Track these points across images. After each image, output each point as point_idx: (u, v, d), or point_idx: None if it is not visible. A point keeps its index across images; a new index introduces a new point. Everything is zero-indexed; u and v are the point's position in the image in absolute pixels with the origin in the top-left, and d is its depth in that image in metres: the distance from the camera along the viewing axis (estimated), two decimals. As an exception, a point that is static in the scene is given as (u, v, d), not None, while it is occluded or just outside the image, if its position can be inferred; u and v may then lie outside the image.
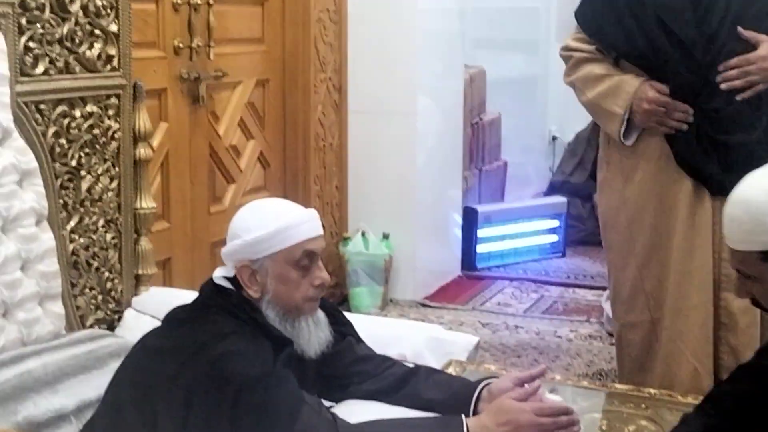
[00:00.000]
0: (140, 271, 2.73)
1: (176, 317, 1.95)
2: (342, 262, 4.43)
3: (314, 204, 4.23)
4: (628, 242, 2.73)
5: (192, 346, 1.81)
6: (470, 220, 5.12)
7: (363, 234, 4.42)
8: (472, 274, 5.06)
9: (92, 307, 2.56)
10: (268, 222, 1.92)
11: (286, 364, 1.87)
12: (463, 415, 1.85)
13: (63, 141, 2.43)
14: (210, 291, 1.97)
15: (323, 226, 4.32)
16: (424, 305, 4.54)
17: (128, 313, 2.65)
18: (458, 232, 5.07)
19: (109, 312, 2.62)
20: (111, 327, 2.60)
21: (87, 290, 2.55)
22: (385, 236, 4.45)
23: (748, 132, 2.54)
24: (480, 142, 5.44)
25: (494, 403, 1.89)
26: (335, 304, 2.01)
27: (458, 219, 5.06)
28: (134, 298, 2.69)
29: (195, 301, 1.99)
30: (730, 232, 1.59)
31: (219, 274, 1.98)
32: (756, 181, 1.57)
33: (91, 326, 2.53)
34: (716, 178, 2.54)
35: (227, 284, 1.96)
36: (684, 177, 2.60)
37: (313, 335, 1.95)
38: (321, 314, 2.01)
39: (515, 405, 1.86)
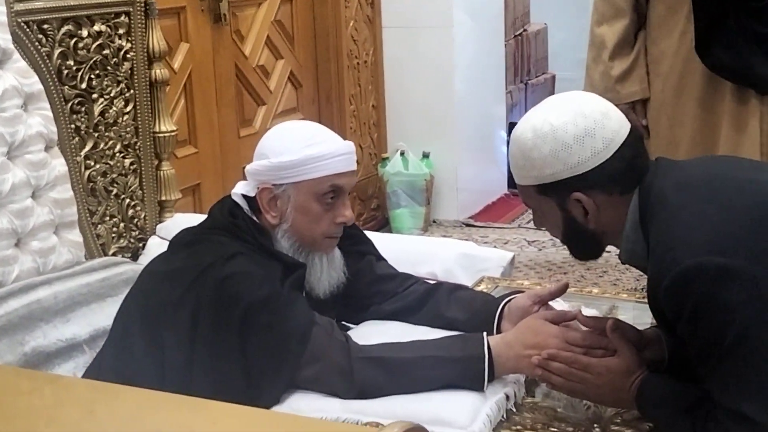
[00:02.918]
0: (164, 197, 2.65)
1: (182, 240, 1.87)
2: (381, 184, 4.32)
3: (350, 124, 4.11)
4: (671, 147, 2.57)
5: (197, 268, 1.73)
6: (517, 136, 4.94)
7: (402, 154, 4.29)
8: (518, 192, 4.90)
9: (114, 235, 2.49)
10: (299, 147, 1.81)
11: (297, 286, 1.77)
12: (485, 333, 1.72)
13: (71, 62, 2.34)
14: (218, 213, 1.87)
15: (360, 147, 4.26)
16: (468, 225, 4.43)
17: (152, 241, 2.58)
18: (504, 149, 4.90)
19: (132, 240, 2.55)
20: (135, 255, 2.54)
21: (107, 218, 2.48)
22: (425, 155, 4.32)
23: None
24: (525, 55, 5.24)
25: (524, 321, 1.76)
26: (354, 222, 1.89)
27: (504, 135, 4.89)
28: (158, 225, 2.62)
29: (202, 223, 1.90)
30: (512, 169, 1.63)
31: (238, 191, 1.88)
32: (527, 119, 1.59)
33: (114, 254, 2.47)
34: (765, 77, 2.35)
35: (243, 203, 1.85)
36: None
37: (325, 274, 1.86)
38: (337, 253, 1.90)
39: (546, 328, 1.71)
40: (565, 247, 1.70)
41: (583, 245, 1.65)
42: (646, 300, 2.28)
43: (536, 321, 1.74)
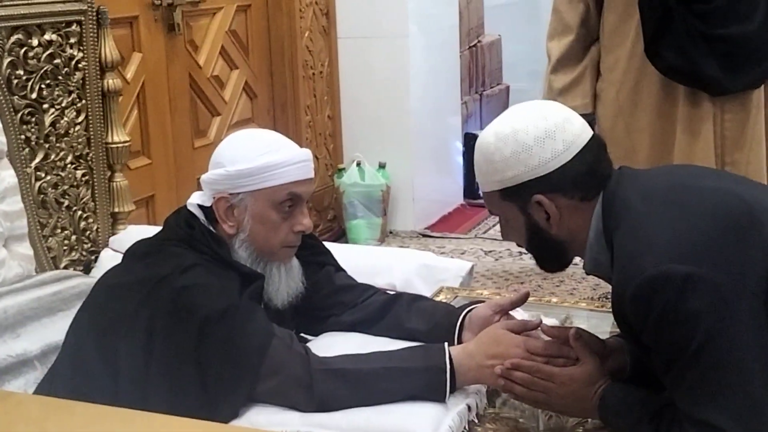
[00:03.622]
0: (117, 209, 2.60)
1: (137, 252, 1.83)
2: (337, 195, 4.29)
3: (306, 135, 4.08)
4: (630, 154, 2.58)
5: (152, 280, 1.69)
6: (472, 146, 4.91)
7: (358, 164, 4.27)
8: (474, 203, 4.91)
9: (65, 248, 2.44)
10: (256, 155, 1.78)
11: (256, 297, 1.74)
12: (446, 344, 1.70)
13: (20, 72, 2.29)
14: (174, 223, 1.84)
15: (316, 158, 4.23)
16: (424, 235, 4.42)
17: (105, 254, 2.53)
18: (460, 160, 4.91)
19: (84, 252, 2.50)
20: (87, 268, 2.49)
21: (59, 230, 2.43)
22: (382, 166, 4.30)
23: (743, 23, 2.36)
24: (479, 66, 5.26)
25: (485, 331, 1.74)
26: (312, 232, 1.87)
27: (459, 146, 4.90)
28: (111, 237, 2.58)
29: (157, 234, 1.86)
30: (477, 177, 1.65)
31: (194, 201, 1.84)
32: (490, 126, 1.61)
33: (65, 267, 2.41)
34: (715, 78, 2.38)
35: (200, 214, 1.82)
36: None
37: (283, 284, 1.83)
38: (295, 262, 1.87)
39: (508, 338, 1.69)
40: (530, 257, 1.69)
41: (548, 254, 1.64)
42: (603, 309, 2.30)
43: (497, 331, 1.72)
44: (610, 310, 2.23)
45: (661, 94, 2.51)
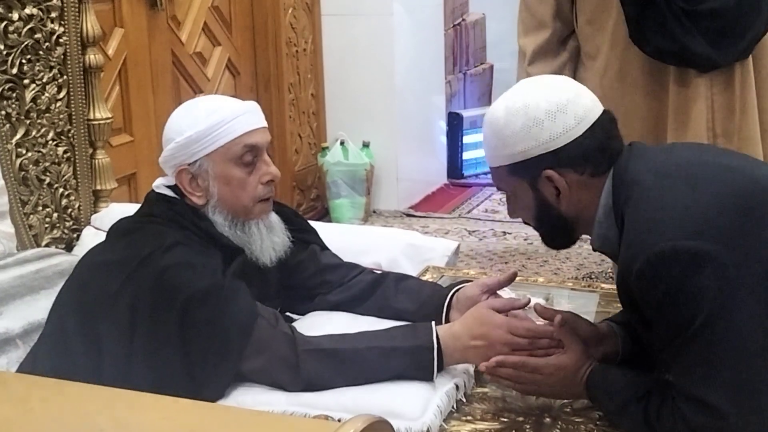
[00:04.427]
0: (98, 187, 2.57)
1: (119, 229, 1.81)
2: (321, 174, 4.27)
3: (289, 113, 4.06)
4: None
5: (135, 259, 1.67)
6: (455, 126, 4.95)
7: (342, 143, 4.24)
8: (458, 182, 4.91)
9: (47, 225, 2.41)
10: (200, 119, 1.77)
11: (240, 275, 1.73)
12: (433, 323, 1.69)
13: (0, 46, 2.24)
14: (154, 200, 1.81)
15: (299, 136, 4.20)
16: (408, 215, 4.41)
17: (87, 231, 2.50)
18: (443, 139, 4.90)
19: (66, 230, 2.47)
20: (69, 246, 2.46)
21: (40, 208, 2.39)
22: (365, 145, 4.29)
23: None
24: (463, 45, 5.23)
25: (471, 311, 1.72)
26: (296, 209, 1.86)
27: (443, 125, 4.88)
28: (93, 215, 2.54)
29: (139, 211, 1.85)
30: (485, 152, 1.64)
31: (159, 183, 1.83)
32: (499, 100, 1.60)
33: (47, 245, 2.38)
34: (704, 54, 2.37)
35: (170, 193, 1.80)
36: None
37: (266, 240, 1.81)
38: (274, 217, 1.85)
39: (491, 318, 1.68)
40: (538, 234, 1.68)
41: (556, 230, 1.63)
42: (588, 288, 2.30)
43: (482, 310, 1.71)
44: (596, 290, 2.25)
45: (649, 77, 2.49)
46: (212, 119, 1.75)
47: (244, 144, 1.76)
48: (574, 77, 2.66)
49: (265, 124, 1.82)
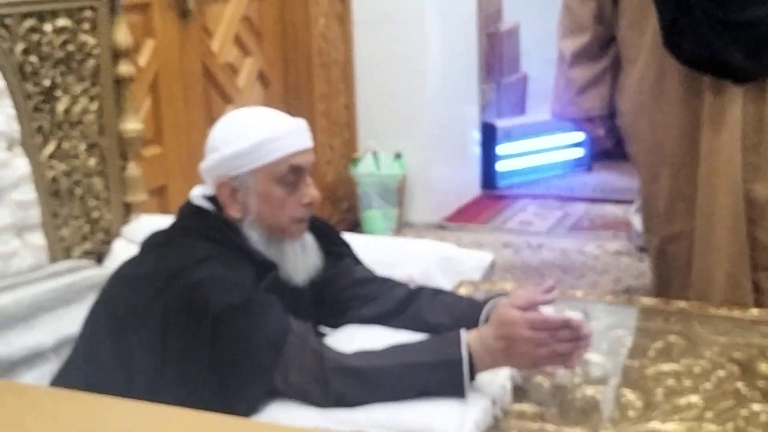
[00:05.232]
0: (129, 199, 2.56)
1: (152, 242, 1.79)
2: (352, 185, 4.25)
3: (321, 124, 4.04)
4: (655, 149, 2.52)
5: (167, 273, 1.65)
6: (489, 136, 4.91)
7: (374, 154, 4.22)
8: (492, 193, 4.87)
9: (78, 237, 2.40)
10: (249, 133, 1.73)
11: (272, 289, 1.70)
12: (461, 330, 1.65)
13: (33, 58, 2.24)
14: (187, 213, 1.80)
15: (330, 147, 4.19)
16: (441, 227, 4.37)
17: (118, 243, 2.49)
18: (477, 150, 4.86)
19: (97, 242, 2.46)
20: (100, 258, 2.45)
21: (71, 220, 2.38)
22: (398, 156, 4.26)
23: (760, 7, 2.30)
24: (497, 54, 5.20)
25: (495, 313, 1.68)
26: (329, 222, 1.83)
27: (476, 135, 4.85)
28: (124, 227, 2.53)
29: (172, 224, 1.83)
30: None
31: (198, 193, 1.81)
32: None
33: (78, 258, 2.37)
34: (740, 65, 2.32)
35: (207, 204, 1.78)
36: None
37: (300, 261, 1.78)
38: (309, 237, 1.83)
39: (511, 317, 1.63)
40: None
41: None
42: (627, 302, 2.26)
43: (502, 310, 1.66)
44: (636, 303, 2.21)
45: (685, 86, 2.45)
46: (261, 135, 1.73)
47: (290, 164, 1.74)
48: (615, 84, 2.63)
49: (311, 144, 1.79)
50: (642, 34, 2.50)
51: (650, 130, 2.54)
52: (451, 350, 1.61)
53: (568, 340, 1.61)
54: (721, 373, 1.79)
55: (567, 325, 1.61)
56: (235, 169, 1.73)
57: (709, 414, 1.64)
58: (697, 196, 2.47)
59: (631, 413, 1.65)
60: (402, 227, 4.31)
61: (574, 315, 1.92)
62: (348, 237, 2.09)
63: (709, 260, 2.46)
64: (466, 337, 1.63)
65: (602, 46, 2.63)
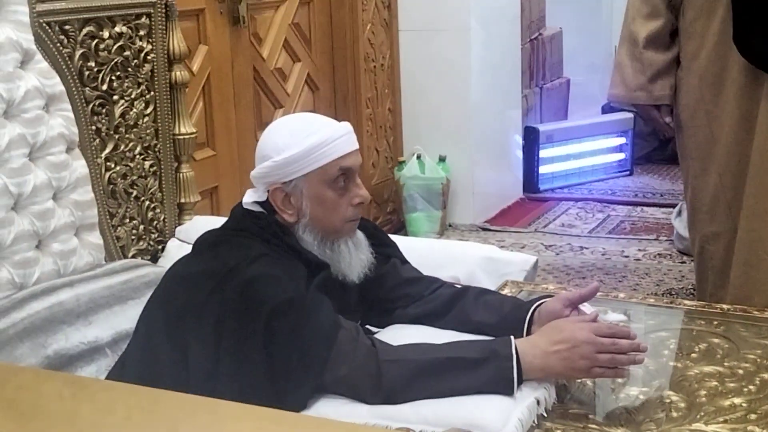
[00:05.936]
0: (183, 200, 2.63)
1: (205, 242, 1.84)
2: (397, 188, 4.29)
3: (367, 128, 4.09)
4: (709, 143, 2.52)
5: (221, 271, 1.70)
6: (531, 139, 4.93)
7: (418, 157, 4.26)
8: (534, 196, 4.89)
9: (134, 237, 2.48)
10: (299, 140, 1.78)
11: (322, 288, 1.75)
12: (512, 336, 1.69)
13: (92, 63, 2.32)
14: (240, 214, 1.85)
15: (376, 151, 4.24)
16: (484, 229, 4.40)
17: (171, 243, 2.56)
18: (519, 153, 4.88)
19: (152, 242, 2.54)
20: (154, 258, 2.53)
21: (127, 220, 2.46)
22: (442, 159, 4.30)
23: None
24: (540, 59, 5.22)
25: (548, 324, 1.74)
26: (376, 224, 1.88)
27: (519, 139, 4.87)
28: (177, 227, 2.60)
29: (225, 224, 1.88)
30: None
31: (249, 199, 1.85)
32: None
33: (133, 257, 2.45)
34: None
35: (258, 209, 1.83)
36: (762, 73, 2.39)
37: (354, 258, 1.83)
38: (361, 235, 1.88)
39: (570, 323, 1.70)
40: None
41: None
42: (671, 305, 2.27)
43: (560, 320, 1.72)
44: (678, 306, 2.22)
45: (745, 83, 2.44)
46: (311, 141, 1.78)
47: (339, 167, 1.79)
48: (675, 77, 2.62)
49: (357, 146, 1.84)
50: (708, 26, 2.49)
51: (707, 124, 2.53)
52: (502, 348, 1.66)
53: (625, 351, 1.65)
54: (766, 375, 1.79)
55: (627, 335, 1.66)
56: (288, 175, 1.79)
57: (752, 416, 1.64)
58: (737, 198, 2.47)
59: (674, 414, 1.66)
60: (445, 229, 4.34)
61: (617, 316, 1.96)
62: (393, 239, 2.13)
63: (752, 261, 2.47)
64: (516, 341, 1.68)
65: (671, 35, 2.60)
